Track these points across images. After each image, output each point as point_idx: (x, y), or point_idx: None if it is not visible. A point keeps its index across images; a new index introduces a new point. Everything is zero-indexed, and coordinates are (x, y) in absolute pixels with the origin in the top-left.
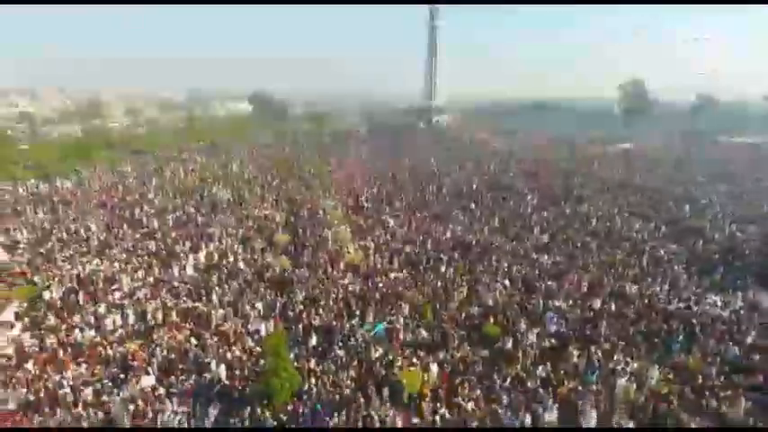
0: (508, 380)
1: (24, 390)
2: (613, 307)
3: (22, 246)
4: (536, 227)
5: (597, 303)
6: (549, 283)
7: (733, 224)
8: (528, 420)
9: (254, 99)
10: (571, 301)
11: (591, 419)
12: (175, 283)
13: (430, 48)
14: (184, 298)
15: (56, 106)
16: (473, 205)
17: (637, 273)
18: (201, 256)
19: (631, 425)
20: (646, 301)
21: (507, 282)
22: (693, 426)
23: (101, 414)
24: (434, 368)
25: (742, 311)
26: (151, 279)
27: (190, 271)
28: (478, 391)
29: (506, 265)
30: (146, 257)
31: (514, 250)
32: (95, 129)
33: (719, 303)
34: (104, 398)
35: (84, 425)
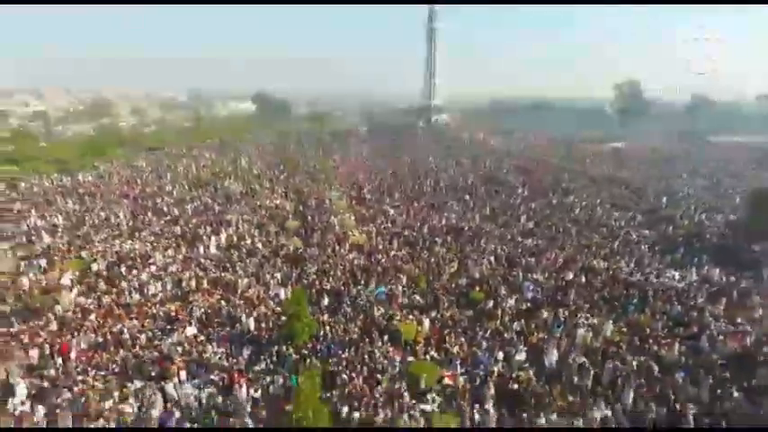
0: (488, 332)
1: (93, 335)
2: (583, 279)
3: (60, 230)
4: (523, 215)
5: (569, 276)
6: (529, 259)
7: (703, 213)
8: (501, 356)
9: (257, 99)
10: (547, 274)
11: (552, 357)
12: (202, 260)
13: (429, 48)
14: (213, 270)
15: (63, 106)
16: (467, 197)
17: (607, 252)
18: (222, 237)
19: (584, 360)
20: (611, 273)
21: (493, 259)
22: (635, 364)
23: (156, 353)
24: (426, 323)
25: (695, 284)
26: (180, 256)
27: (213, 250)
28: (462, 339)
29: (493, 246)
30: (173, 239)
31: (502, 235)
32: (107, 127)
33: (677, 277)
34: (156, 342)
35: (145, 363)
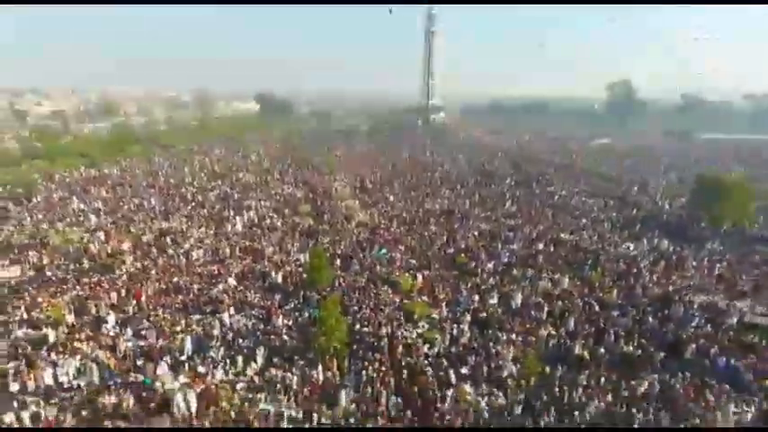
0: (468, 284)
1: (156, 284)
2: (551, 248)
3: (101, 213)
4: (508, 201)
5: (540, 246)
6: (508, 234)
7: (666, 199)
8: (477, 298)
9: (261, 98)
10: (521, 245)
11: (518, 300)
12: (231, 235)
13: (427, 50)
14: (242, 241)
15: (73, 105)
16: (459, 186)
17: (574, 228)
18: (245, 218)
19: (540, 300)
20: (575, 244)
21: (477, 233)
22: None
23: (207, 298)
24: (420, 277)
25: (644, 252)
26: (212, 232)
27: (239, 227)
28: (448, 289)
29: (478, 224)
30: (203, 220)
31: (487, 216)
32: (121, 126)
33: (631, 247)
34: (206, 291)
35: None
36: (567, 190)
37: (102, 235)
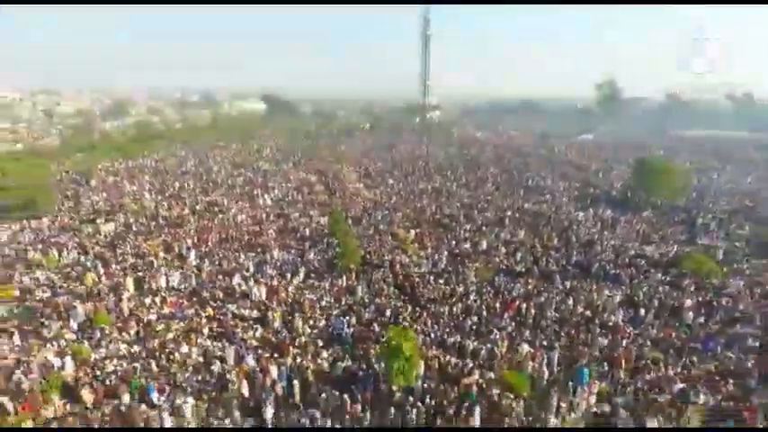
0: (448, 238)
1: (217, 234)
2: (516, 215)
3: (153, 192)
4: (489, 184)
5: (508, 213)
6: (484, 205)
7: (620, 181)
8: (454, 243)
9: (267, 98)
10: (492, 213)
11: (483, 244)
12: (262, 206)
13: (423, 52)
14: (273, 211)
15: (86, 104)
16: (449, 173)
17: (537, 200)
18: (272, 195)
19: (500, 245)
20: (535, 211)
21: (459, 205)
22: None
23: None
24: (413, 233)
25: (590, 218)
26: (247, 205)
27: (269, 202)
28: (434, 240)
29: (461, 200)
30: (237, 197)
31: (470, 195)
32: (141, 124)
33: (581, 215)
34: (253, 240)
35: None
36: (540, 175)
37: (165, 203)
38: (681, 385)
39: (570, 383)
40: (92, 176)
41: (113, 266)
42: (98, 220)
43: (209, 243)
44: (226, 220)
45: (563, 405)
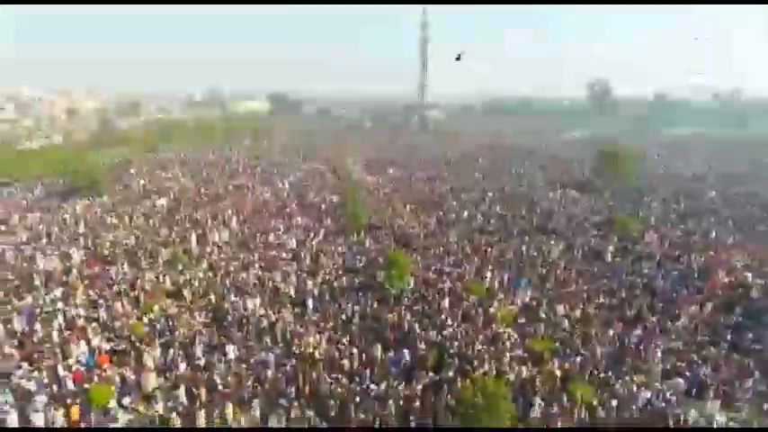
0: (440, 211)
1: (250, 209)
2: (497, 195)
3: (188, 177)
4: (476, 172)
5: (489, 194)
6: (470, 188)
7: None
8: (441, 214)
9: (273, 98)
10: (477, 194)
11: (464, 215)
12: (282, 189)
13: (421, 54)
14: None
15: (101, 103)
16: (442, 163)
17: (515, 185)
18: (288, 180)
19: (479, 215)
20: (512, 191)
21: (450, 188)
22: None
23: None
24: (408, 208)
25: (557, 197)
26: (268, 187)
27: (287, 186)
28: (426, 212)
29: (451, 184)
30: (260, 181)
31: (459, 180)
32: (162, 121)
33: (550, 194)
34: (280, 210)
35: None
36: (522, 164)
37: (202, 183)
38: (584, 287)
39: (512, 289)
40: (130, 166)
41: (175, 228)
42: (152, 197)
43: (245, 212)
44: (254, 197)
45: (505, 298)
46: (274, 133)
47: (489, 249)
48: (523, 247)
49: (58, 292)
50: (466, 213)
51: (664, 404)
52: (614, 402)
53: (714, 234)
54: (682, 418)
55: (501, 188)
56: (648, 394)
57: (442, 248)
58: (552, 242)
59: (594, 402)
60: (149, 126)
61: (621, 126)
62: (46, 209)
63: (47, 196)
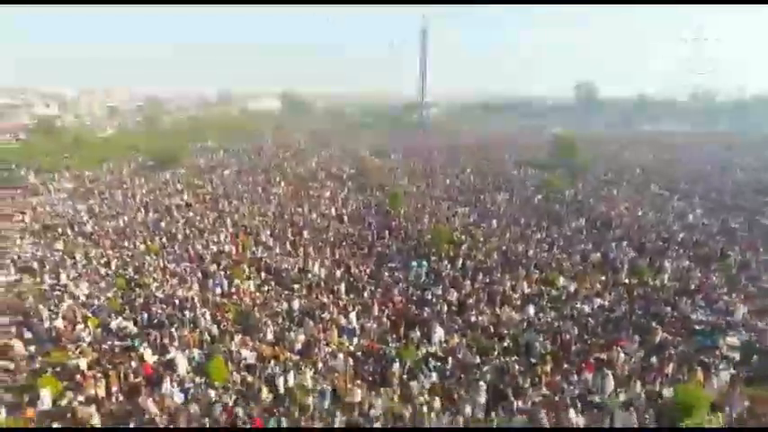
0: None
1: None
2: (476, 178)
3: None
4: (462, 156)
5: (468, 169)
6: (456, 165)
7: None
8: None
9: (284, 98)
10: (459, 180)
11: (442, 184)
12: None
13: (421, 56)
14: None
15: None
16: (435, 152)
17: (497, 171)
18: (314, 161)
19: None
20: (489, 176)
21: (450, 180)
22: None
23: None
24: (406, 179)
25: (526, 178)
26: (301, 165)
27: (313, 165)
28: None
29: (444, 172)
30: (293, 161)
31: (447, 162)
32: (190, 119)
33: (514, 171)
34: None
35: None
36: (505, 156)
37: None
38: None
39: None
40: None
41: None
42: (218, 169)
43: (290, 178)
44: (292, 170)
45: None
46: (291, 129)
47: (459, 199)
48: (482, 197)
49: (190, 214)
50: (448, 181)
51: None
52: None
53: (615, 192)
54: None
55: (477, 166)
56: None
57: (429, 198)
58: (499, 195)
59: None
60: (184, 123)
61: (605, 124)
62: (148, 176)
63: (142, 168)
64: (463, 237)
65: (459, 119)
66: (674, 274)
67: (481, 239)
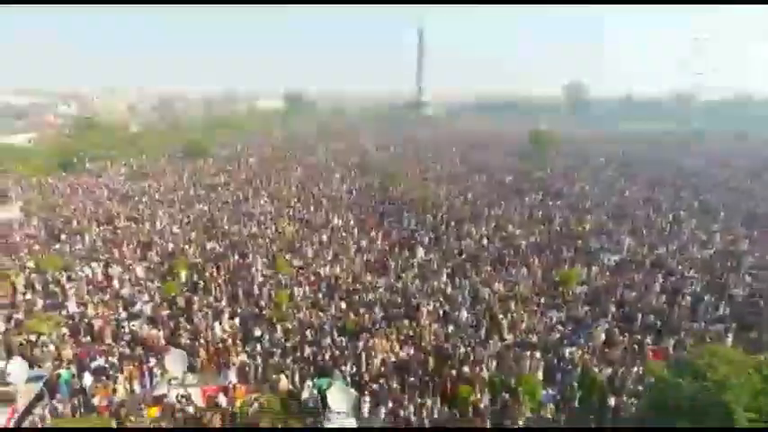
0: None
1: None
2: (460, 158)
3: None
4: (456, 157)
5: (456, 159)
6: (445, 156)
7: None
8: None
9: (288, 97)
10: (452, 171)
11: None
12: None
13: (419, 57)
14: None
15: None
16: (430, 147)
17: (489, 164)
18: (326, 152)
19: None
20: (471, 159)
21: (440, 167)
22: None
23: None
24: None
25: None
26: (312, 156)
27: (314, 161)
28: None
29: (441, 165)
30: (306, 151)
31: (437, 155)
32: (204, 117)
33: (494, 161)
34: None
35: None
36: (495, 152)
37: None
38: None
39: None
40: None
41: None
42: (241, 158)
43: (303, 166)
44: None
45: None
46: (298, 126)
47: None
48: (467, 179)
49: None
50: (439, 167)
51: None
52: None
53: (575, 175)
54: None
55: (464, 156)
56: None
57: (422, 179)
58: (476, 176)
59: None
60: (200, 120)
61: (590, 123)
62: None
63: (175, 158)
64: (443, 200)
65: (455, 117)
66: (595, 226)
67: (458, 205)
